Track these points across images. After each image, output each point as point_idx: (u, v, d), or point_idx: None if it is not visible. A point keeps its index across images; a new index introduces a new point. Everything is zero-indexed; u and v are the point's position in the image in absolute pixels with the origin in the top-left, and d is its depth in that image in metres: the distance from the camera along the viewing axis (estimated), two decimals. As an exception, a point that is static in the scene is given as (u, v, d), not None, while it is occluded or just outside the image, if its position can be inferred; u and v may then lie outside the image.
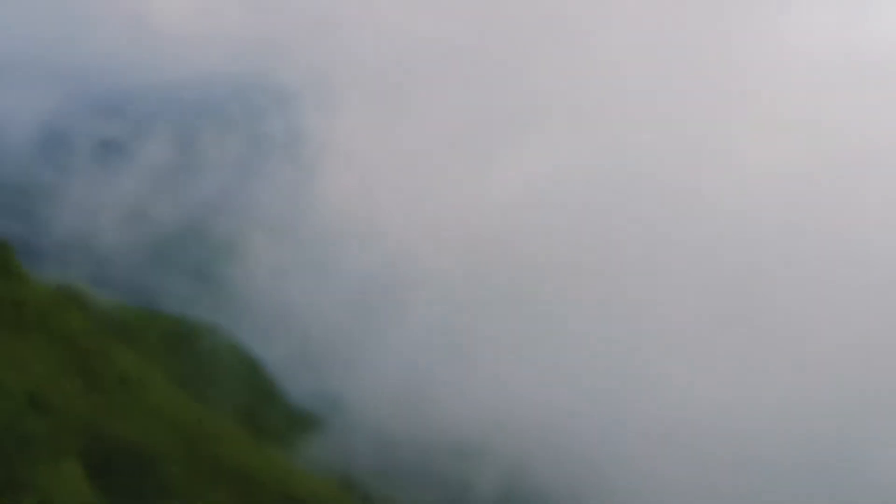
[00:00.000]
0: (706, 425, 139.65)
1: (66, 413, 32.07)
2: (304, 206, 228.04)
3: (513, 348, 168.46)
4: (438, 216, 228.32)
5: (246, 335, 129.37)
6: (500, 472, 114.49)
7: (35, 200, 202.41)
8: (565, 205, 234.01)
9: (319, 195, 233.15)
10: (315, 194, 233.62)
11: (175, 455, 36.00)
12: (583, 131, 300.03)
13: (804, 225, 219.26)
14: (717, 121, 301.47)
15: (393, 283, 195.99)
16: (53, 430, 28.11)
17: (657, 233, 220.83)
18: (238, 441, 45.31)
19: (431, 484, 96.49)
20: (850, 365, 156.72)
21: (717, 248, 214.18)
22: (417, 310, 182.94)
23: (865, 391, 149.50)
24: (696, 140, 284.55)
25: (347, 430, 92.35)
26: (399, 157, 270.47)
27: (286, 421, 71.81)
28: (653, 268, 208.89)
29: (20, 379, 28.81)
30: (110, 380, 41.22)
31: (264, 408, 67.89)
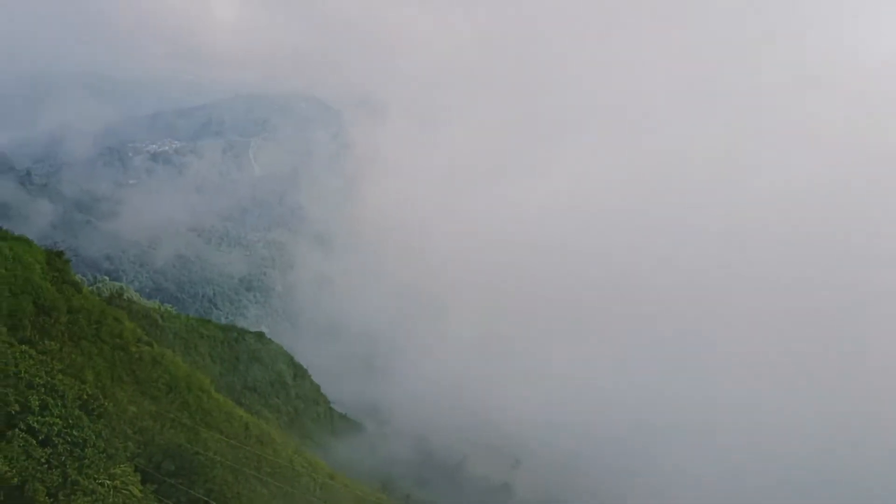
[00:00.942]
0: (744, 434, 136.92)
1: (118, 418, 32.74)
2: (349, 217, 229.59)
3: (551, 356, 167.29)
4: (478, 226, 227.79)
5: (291, 342, 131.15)
6: (540, 476, 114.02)
7: (90, 212, 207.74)
8: (602, 214, 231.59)
9: (363, 205, 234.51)
10: (359, 205, 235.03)
11: (223, 459, 36.46)
12: (620, 141, 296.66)
13: (841, 233, 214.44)
14: (754, 128, 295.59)
15: (434, 291, 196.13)
16: (106, 435, 28.71)
17: (691, 241, 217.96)
18: (283, 445, 45.71)
19: (471, 488, 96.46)
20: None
21: (753, 256, 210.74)
22: (457, 317, 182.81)
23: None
24: (733, 148, 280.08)
25: (388, 434, 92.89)
26: (440, 168, 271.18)
27: (329, 425, 72.26)
28: (686, 277, 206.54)
29: (74, 385, 29.47)
30: (161, 386, 42.05)
31: (308, 413, 68.39)
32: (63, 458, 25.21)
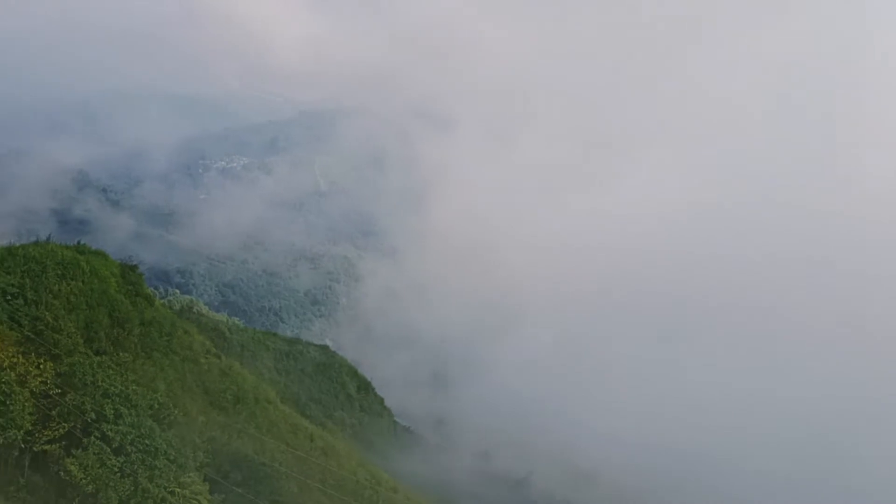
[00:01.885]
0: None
1: (188, 428, 33.50)
2: (416, 230, 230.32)
3: (629, 370, 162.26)
4: (550, 237, 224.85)
5: (356, 355, 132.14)
6: (612, 494, 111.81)
7: (163, 226, 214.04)
8: (678, 223, 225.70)
9: (431, 218, 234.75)
10: (427, 217, 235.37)
11: (288, 470, 36.89)
12: (696, 150, 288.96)
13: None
14: (845, 129, 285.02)
15: (506, 303, 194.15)
16: (176, 444, 29.39)
17: (775, 249, 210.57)
18: (347, 457, 46.01)
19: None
20: None
21: (839, 260, 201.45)
22: (529, 331, 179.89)
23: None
24: (814, 154, 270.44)
25: (452, 447, 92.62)
26: (510, 179, 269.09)
27: (393, 438, 72.51)
28: (767, 283, 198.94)
29: (146, 395, 30.29)
30: (228, 397, 42.89)
31: (372, 425, 68.72)
32: (135, 466, 25.90)
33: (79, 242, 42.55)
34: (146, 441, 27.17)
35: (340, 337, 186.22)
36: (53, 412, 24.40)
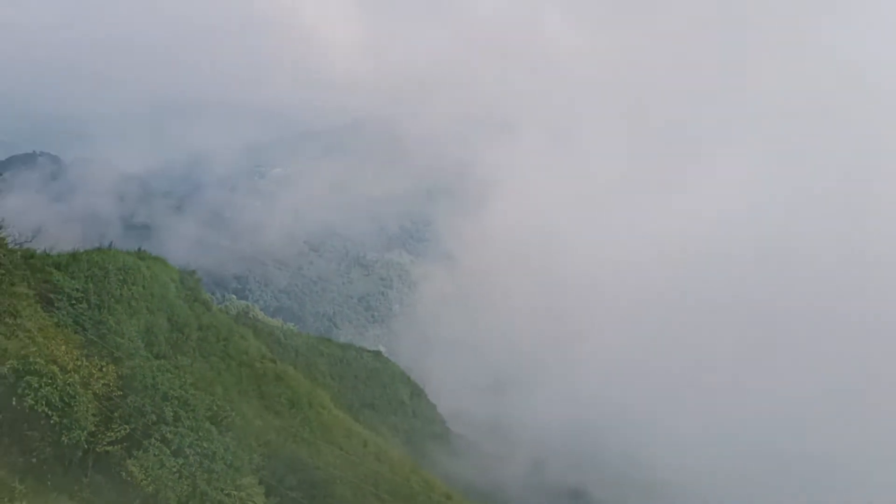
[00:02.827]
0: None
1: (244, 431, 33.93)
2: (473, 236, 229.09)
3: (697, 383, 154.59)
4: (616, 244, 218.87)
5: (409, 362, 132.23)
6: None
7: (220, 232, 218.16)
8: (753, 230, 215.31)
9: (489, 224, 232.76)
10: (484, 223, 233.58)
11: (342, 475, 37.06)
12: (773, 152, 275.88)
13: None
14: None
15: (567, 311, 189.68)
16: (233, 447, 29.80)
17: (880, 250, 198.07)
18: (400, 463, 46.03)
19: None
20: None
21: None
22: (592, 340, 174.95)
23: None
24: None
25: (506, 456, 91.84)
26: (574, 185, 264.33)
27: (446, 445, 72.38)
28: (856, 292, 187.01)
29: (204, 398, 30.79)
30: (283, 401, 43.35)
31: (425, 431, 68.74)
32: (193, 468, 26.31)
33: (140, 248, 43.53)
34: (204, 444, 27.58)
35: (393, 343, 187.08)
36: (115, 414, 24.92)
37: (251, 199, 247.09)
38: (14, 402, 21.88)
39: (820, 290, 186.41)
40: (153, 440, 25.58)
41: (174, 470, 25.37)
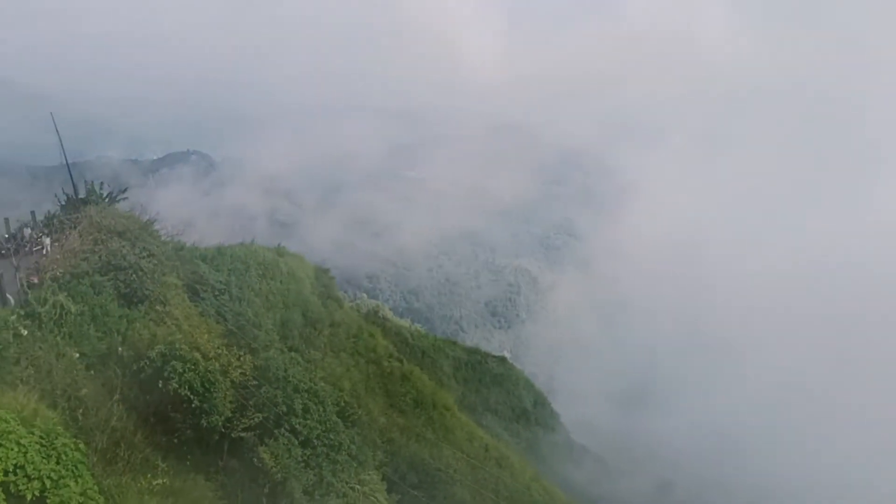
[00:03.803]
0: None
1: (369, 427, 34.74)
2: (608, 244, 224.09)
3: (864, 412, 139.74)
4: (770, 260, 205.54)
5: (533, 369, 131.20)
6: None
7: (356, 232, 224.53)
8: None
9: (626, 233, 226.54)
10: (622, 232, 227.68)
11: (462, 477, 37.21)
12: None
13: None
14: None
15: (711, 325, 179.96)
16: (358, 442, 30.55)
17: None
18: (521, 471, 45.73)
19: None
20: None
21: None
22: (740, 357, 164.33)
23: None
24: None
25: (631, 472, 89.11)
26: (718, 194, 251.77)
27: (569, 455, 71.25)
28: None
29: (332, 392, 31.74)
30: (408, 401, 44.04)
31: (547, 440, 67.93)
32: (320, 459, 27.16)
33: (279, 245, 45.32)
34: (331, 436, 28.42)
35: (519, 349, 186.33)
36: (250, 402, 26.07)
37: (388, 200, 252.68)
38: (160, 385, 23.30)
39: None
40: (283, 430, 26.60)
41: (301, 459, 26.29)
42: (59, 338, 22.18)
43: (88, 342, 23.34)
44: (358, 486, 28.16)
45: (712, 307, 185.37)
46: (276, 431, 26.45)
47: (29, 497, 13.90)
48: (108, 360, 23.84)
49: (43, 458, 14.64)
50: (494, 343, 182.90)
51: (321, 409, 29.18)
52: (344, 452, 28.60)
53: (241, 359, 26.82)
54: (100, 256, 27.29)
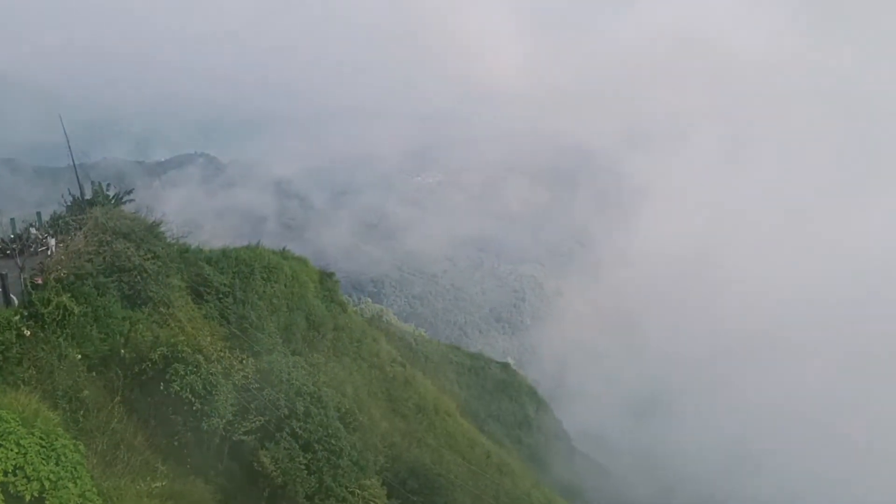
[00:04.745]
0: None
1: (371, 432, 34.71)
2: (616, 252, 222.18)
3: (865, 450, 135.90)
4: (776, 270, 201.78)
5: (537, 376, 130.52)
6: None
7: (360, 236, 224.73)
8: None
9: (635, 242, 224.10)
10: (634, 241, 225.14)
11: (463, 483, 37.14)
12: None
13: None
14: None
15: (717, 339, 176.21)
16: (359, 447, 30.55)
17: None
18: (522, 477, 45.65)
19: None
20: None
21: None
22: (739, 372, 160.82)
23: None
24: None
25: (633, 481, 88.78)
26: (737, 200, 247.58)
27: (570, 463, 71.17)
28: None
29: (335, 396, 31.74)
30: (410, 406, 44.01)
31: (549, 447, 67.87)
32: (321, 464, 27.16)
33: (284, 248, 45.35)
34: (332, 441, 28.42)
35: (524, 356, 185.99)
36: (251, 405, 26.07)
37: (394, 205, 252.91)
38: (162, 387, 23.32)
39: None
40: (284, 434, 26.61)
41: (302, 464, 26.29)
42: (61, 339, 22.21)
43: (91, 344, 23.37)
44: (358, 491, 28.14)
45: (726, 315, 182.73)
46: (277, 435, 26.45)
47: (28, 498, 13.90)
48: (110, 361, 23.88)
49: (42, 459, 14.65)
50: (498, 349, 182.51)
51: (323, 414, 29.19)
52: (345, 457, 28.60)
53: (244, 362, 26.83)
54: (104, 258, 27.34)
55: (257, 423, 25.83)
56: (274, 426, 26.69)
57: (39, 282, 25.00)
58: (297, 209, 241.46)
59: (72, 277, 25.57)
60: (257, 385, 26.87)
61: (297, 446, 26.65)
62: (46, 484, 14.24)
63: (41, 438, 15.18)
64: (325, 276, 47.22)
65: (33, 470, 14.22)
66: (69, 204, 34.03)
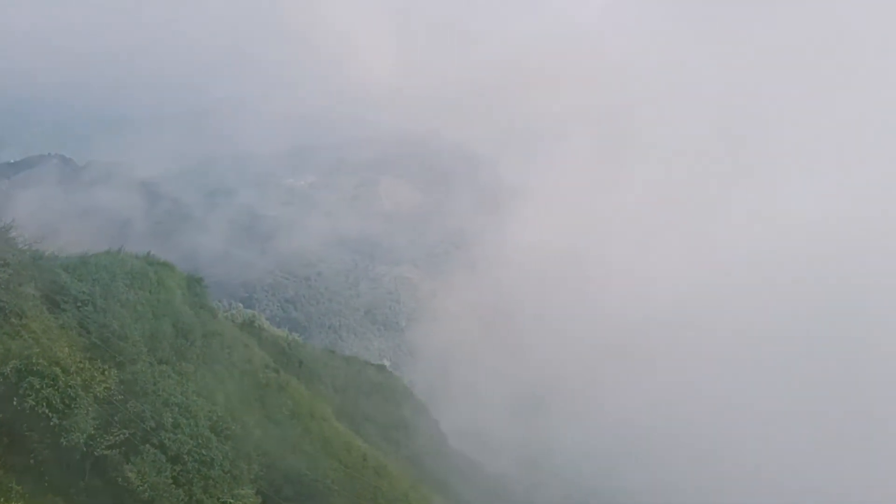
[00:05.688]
0: None
1: (244, 441, 33.89)
2: (487, 255, 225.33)
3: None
4: (652, 269, 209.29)
5: (413, 377, 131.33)
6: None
7: (230, 240, 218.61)
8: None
9: (513, 244, 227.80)
10: (508, 243, 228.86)
11: (340, 487, 36.94)
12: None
13: None
14: None
15: (603, 337, 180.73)
16: (232, 456, 29.78)
17: None
18: (399, 479, 45.85)
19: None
20: None
21: None
22: (635, 374, 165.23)
23: None
24: None
25: (508, 476, 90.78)
26: (611, 206, 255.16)
27: (447, 462, 72.00)
28: None
29: (205, 406, 30.81)
30: (285, 412, 43.28)
31: (427, 448, 68.38)
32: (191, 475, 26.30)
33: (148, 252, 43.69)
34: (203, 451, 27.61)
35: (399, 358, 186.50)
36: (115, 418, 24.98)
37: (264, 208, 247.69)
38: (15, 403, 21.96)
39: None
40: (150, 446, 25.61)
41: (170, 477, 25.38)
42: None
43: (-67, 358, 21.75)
44: (231, 502, 27.46)
45: (604, 313, 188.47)
46: (142, 448, 25.42)
47: None
48: (-45, 377, 22.28)
49: None
50: (374, 351, 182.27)
51: (192, 424, 28.30)
52: (217, 467, 27.85)
53: (106, 373, 25.63)
54: (-54, 266, 25.49)
55: (121, 436, 24.77)
56: (139, 439, 25.65)
57: None
58: (165, 211, 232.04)
59: None
60: (121, 397, 25.78)
61: (165, 459, 25.70)
62: None
63: None
64: (194, 282, 45.81)
65: None
66: None
